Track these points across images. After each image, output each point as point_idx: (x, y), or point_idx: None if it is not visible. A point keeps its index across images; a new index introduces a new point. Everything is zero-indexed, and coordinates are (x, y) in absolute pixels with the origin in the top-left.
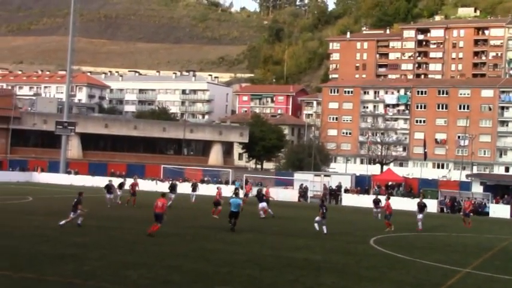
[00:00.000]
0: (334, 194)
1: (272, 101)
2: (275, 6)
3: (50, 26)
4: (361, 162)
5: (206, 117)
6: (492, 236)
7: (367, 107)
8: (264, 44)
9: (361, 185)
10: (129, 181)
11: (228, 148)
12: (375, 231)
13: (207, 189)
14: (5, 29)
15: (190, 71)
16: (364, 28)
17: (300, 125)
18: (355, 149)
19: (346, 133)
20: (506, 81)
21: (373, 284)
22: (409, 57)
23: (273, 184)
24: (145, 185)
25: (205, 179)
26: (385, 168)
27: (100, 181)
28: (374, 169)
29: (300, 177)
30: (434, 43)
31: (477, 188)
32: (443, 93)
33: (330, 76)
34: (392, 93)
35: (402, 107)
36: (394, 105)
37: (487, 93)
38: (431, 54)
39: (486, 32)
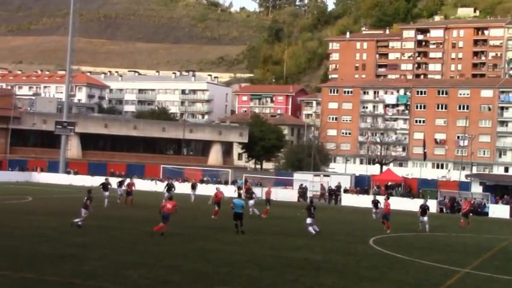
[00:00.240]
0: (333, 194)
1: (272, 101)
2: (275, 6)
3: (49, 26)
4: (361, 163)
5: (206, 117)
6: (491, 236)
7: (366, 107)
8: (264, 44)
9: (361, 185)
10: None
11: (227, 148)
12: (374, 231)
13: (207, 189)
14: (4, 29)
15: (189, 71)
16: (364, 28)
17: (299, 125)
18: (354, 149)
19: (346, 133)
20: (505, 82)
21: (372, 284)
22: (409, 57)
23: (272, 184)
24: (144, 185)
25: (205, 179)
26: (384, 168)
27: (100, 181)
28: (373, 169)
29: (300, 177)
30: (434, 43)
31: (476, 188)
32: (442, 94)
33: (330, 76)
34: (392, 93)
35: (402, 107)
36: (393, 106)
37: (487, 93)
38: (431, 55)
39: (486, 32)
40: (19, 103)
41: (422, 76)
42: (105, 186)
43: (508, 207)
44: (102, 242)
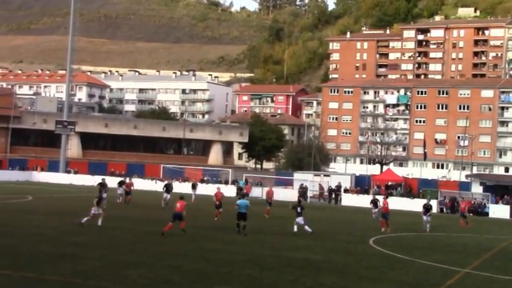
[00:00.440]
0: (334, 194)
1: (272, 100)
2: (275, 6)
3: (50, 25)
4: (361, 162)
5: (206, 116)
6: (492, 237)
7: (367, 107)
8: (264, 43)
9: (361, 185)
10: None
11: (227, 148)
12: (374, 231)
13: (207, 189)
14: (5, 28)
15: (190, 70)
16: (364, 28)
17: (299, 125)
18: (355, 149)
19: (346, 133)
20: (506, 82)
21: (372, 284)
22: (409, 57)
23: (273, 184)
24: (144, 184)
25: (205, 178)
26: (384, 168)
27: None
28: (374, 169)
29: (300, 177)
30: (434, 43)
31: (477, 189)
32: (443, 94)
33: (330, 76)
34: (392, 93)
35: (402, 107)
36: (394, 105)
37: (487, 93)
38: (431, 55)
39: (486, 32)
40: (19, 102)
41: (422, 76)
42: (102, 186)
43: (508, 207)
44: (102, 242)
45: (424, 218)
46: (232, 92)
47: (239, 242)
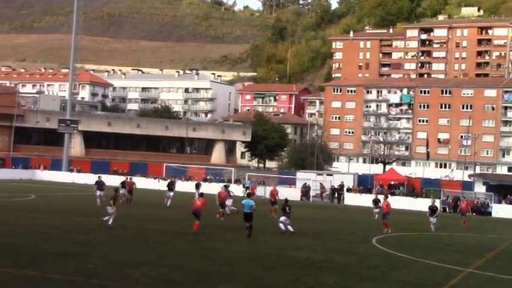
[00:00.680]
0: (336, 193)
1: (275, 99)
2: (278, 5)
3: (53, 24)
4: (364, 162)
5: (209, 115)
6: (495, 236)
7: (369, 106)
8: (267, 42)
9: (364, 184)
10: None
11: (230, 147)
12: (377, 230)
13: (210, 188)
14: (8, 27)
15: (193, 69)
16: (367, 27)
17: (302, 124)
18: (357, 148)
19: (349, 132)
20: (509, 81)
21: (374, 284)
22: (412, 56)
23: (276, 183)
24: (147, 183)
25: (208, 177)
26: (387, 167)
27: (103, 179)
28: (376, 168)
29: (303, 176)
30: (438, 43)
31: (480, 188)
32: (446, 93)
33: (333, 75)
34: (395, 92)
35: (405, 107)
36: (396, 105)
37: (490, 93)
38: (435, 54)
39: (490, 31)
40: (22, 101)
41: (425, 75)
42: (99, 185)
43: (511, 207)
44: (104, 241)
45: (431, 219)
46: (235, 91)
47: (241, 241)
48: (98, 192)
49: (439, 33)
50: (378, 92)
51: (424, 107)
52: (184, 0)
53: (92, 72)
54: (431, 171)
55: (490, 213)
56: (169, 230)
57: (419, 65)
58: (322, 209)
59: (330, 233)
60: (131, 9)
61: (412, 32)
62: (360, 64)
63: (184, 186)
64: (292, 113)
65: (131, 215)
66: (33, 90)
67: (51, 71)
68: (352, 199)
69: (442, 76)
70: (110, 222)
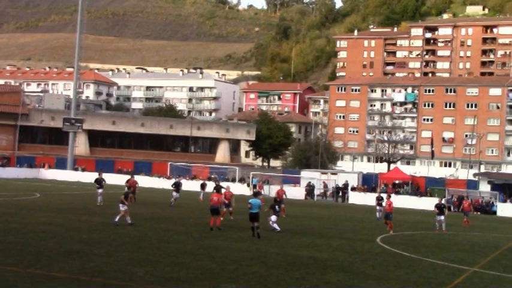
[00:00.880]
0: (341, 192)
1: (279, 98)
2: (282, 4)
3: (57, 23)
4: (368, 161)
5: (213, 114)
6: (500, 235)
7: (374, 105)
8: (272, 41)
9: (368, 183)
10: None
11: (235, 146)
12: (381, 229)
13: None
14: (13, 26)
15: (197, 68)
16: (372, 26)
17: (307, 123)
18: (362, 147)
19: (353, 131)
20: None
21: (379, 282)
22: (417, 55)
23: (280, 182)
24: (151, 182)
25: (212, 176)
26: (392, 166)
27: (107, 178)
28: (381, 167)
29: (307, 175)
30: (442, 41)
31: (485, 187)
32: (450, 92)
33: (337, 74)
34: (400, 91)
35: (409, 105)
36: (401, 104)
37: (495, 91)
38: (439, 53)
39: (494, 30)
40: (27, 100)
41: (430, 74)
42: (98, 182)
43: None
44: (108, 239)
45: (438, 218)
46: (240, 90)
47: (245, 240)
48: (100, 190)
49: (444, 31)
50: (382, 90)
51: (428, 106)
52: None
53: (96, 71)
54: (436, 170)
55: (494, 212)
56: (173, 228)
57: (424, 63)
58: (327, 208)
59: (334, 231)
60: (135, 9)
61: (417, 31)
62: (365, 63)
63: (188, 185)
64: (297, 112)
65: (135, 213)
66: (38, 89)
67: (55, 70)
68: (356, 198)
69: (446, 75)
70: (116, 219)
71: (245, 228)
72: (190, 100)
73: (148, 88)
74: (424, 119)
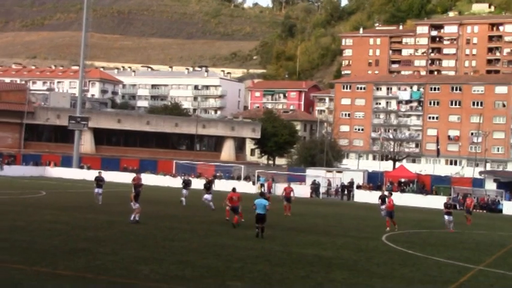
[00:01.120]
0: (346, 190)
1: (284, 96)
2: (288, 2)
3: (63, 21)
4: (374, 159)
5: (218, 112)
6: (505, 234)
7: (379, 103)
8: (277, 39)
9: (374, 181)
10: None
11: (240, 144)
12: (386, 227)
13: (219, 185)
14: (19, 24)
15: (202, 66)
16: (377, 24)
17: (312, 121)
18: (367, 145)
19: (359, 129)
20: None
21: (384, 281)
22: (422, 53)
23: (285, 180)
24: (157, 180)
25: (218, 174)
26: (397, 164)
27: (113, 176)
28: (386, 165)
29: (312, 173)
30: (448, 39)
31: (490, 185)
32: (456, 90)
33: (343, 72)
34: (405, 89)
35: (415, 104)
36: (407, 102)
37: (501, 89)
38: (445, 51)
39: (501, 28)
40: (33, 98)
41: (436, 72)
42: (99, 181)
43: None
44: (114, 237)
45: (447, 218)
46: (245, 88)
47: (250, 238)
48: (97, 190)
49: (450, 29)
50: (387, 89)
51: (434, 104)
52: None
53: (101, 69)
54: (442, 168)
55: (500, 211)
56: (178, 227)
57: (430, 61)
58: (332, 206)
59: (339, 230)
60: (141, 7)
61: (422, 29)
62: (370, 61)
63: (194, 183)
64: (302, 110)
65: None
66: (43, 87)
67: (61, 68)
68: (361, 196)
69: (452, 73)
70: (131, 218)
71: (250, 227)
72: (195, 98)
73: (153, 86)
74: (429, 117)
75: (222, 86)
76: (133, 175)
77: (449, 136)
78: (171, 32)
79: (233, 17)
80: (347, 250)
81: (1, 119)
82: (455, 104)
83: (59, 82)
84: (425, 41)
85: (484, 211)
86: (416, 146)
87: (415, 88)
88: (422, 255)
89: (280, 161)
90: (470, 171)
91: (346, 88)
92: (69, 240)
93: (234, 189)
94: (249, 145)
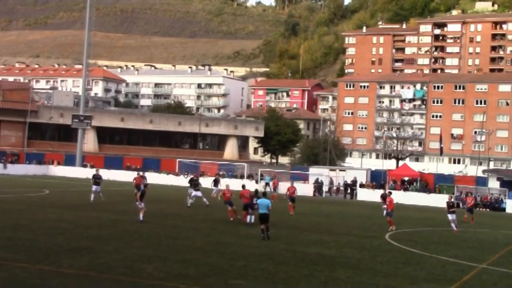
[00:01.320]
0: (349, 188)
1: (287, 95)
2: (291, 1)
3: (66, 20)
4: (377, 157)
5: (221, 111)
6: (509, 232)
7: (383, 102)
8: (280, 38)
9: (377, 179)
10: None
11: (243, 142)
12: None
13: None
14: (22, 23)
15: (205, 65)
16: (380, 23)
17: (315, 120)
18: (370, 144)
19: (362, 128)
20: None
21: (387, 279)
22: (426, 51)
23: (288, 179)
24: (160, 178)
25: (221, 173)
26: (400, 163)
27: (116, 175)
28: (389, 164)
29: (315, 172)
30: (451, 38)
31: (494, 184)
32: (459, 88)
33: (346, 71)
34: (409, 88)
35: (418, 102)
36: (410, 100)
37: (505, 88)
38: (448, 49)
39: (504, 26)
40: (36, 97)
41: (439, 71)
42: (96, 179)
43: None
44: (117, 236)
45: (451, 217)
46: (248, 87)
47: (254, 236)
48: (94, 187)
49: (453, 28)
50: (391, 87)
51: (437, 103)
52: None
53: (105, 68)
54: (445, 167)
55: (504, 209)
56: (182, 225)
57: (433, 60)
58: (335, 205)
59: (343, 228)
60: (144, 5)
61: (426, 27)
62: (373, 59)
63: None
64: (305, 108)
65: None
66: (47, 86)
67: (64, 67)
68: (365, 195)
69: (455, 71)
70: (140, 218)
71: (254, 225)
72: (198, 97)
73: (156, 85)
74: (432, 116)
75: (225, 84)
76: (137, 174)
77: (452, 135)
78: (174, 31)
79: (236, 16)
80: (350, 249)
81: (5, 118)
82: (459, 103)
83: (62, 81)
84: (428, 39)
85: (488, 210)
86: (420, 144)
87: (418, 87)
88: (425, 253)
89: (283, 160)
90: (474, 170)
91: (350, 87)
92: (72, 238)
93: (243, 187)
94: (252, 144)
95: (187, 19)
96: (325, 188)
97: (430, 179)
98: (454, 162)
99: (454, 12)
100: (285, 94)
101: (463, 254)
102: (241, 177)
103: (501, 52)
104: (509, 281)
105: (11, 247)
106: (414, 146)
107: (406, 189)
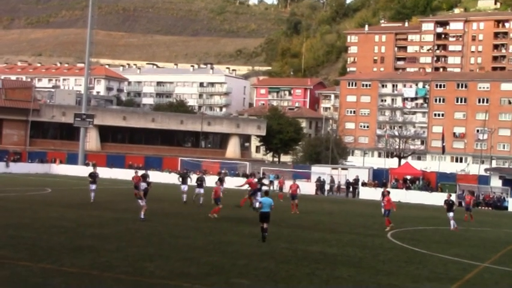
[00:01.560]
0: (351, 187)
1: (290, 94)
2: None
3: (68, 18)
4: (379, 156)
5: (224, 110)
6: (511, 231)
7: (385, 100)
8: (282, 36)
9: (379, 178)
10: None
11: (245, 141)
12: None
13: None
14: (24, 22)
15: (208, 63)
16: (383, 21)
17: (317, 118)
18: (372, 143)
19: (364, 126)
20: None
21: (389, 278)
22: (428, 50)
23: (290, 177)
24: (162, 177)
25: (223, 171)
26: (402, 161)
27: (118, 173)
28: (392, 162)
29: (318, 171)
30: (453, 36)
31: (496, 182)
32: (462, 87)
33: (348, 69)
34: (411, 86)
35: (420, 101)
36: (412, 99)
37: (507, 86)
38: (450, 48)
39: (506, 24)
40: (38, 95)
41: (441, 69)
42: (93, 177)
43: None
44: (119, 234)
45: (449, 215)
46: (250, 85)
47: (255, 235)
48: (92, 186)
49: (455, 26)
50: (393, 86)
51: (439, 101)
52: None
53: (107, 66)
54: (447, 166)
55: (506, 208)
56: (184, 223)
57: (435, 58)
58: (337, 203)
59: (344, 227)
60: (146, 4)
61: (428, 26)
62: (375, 58)
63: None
64: (307, 107)
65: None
66: (49, 84)
67: (66, 65)
68: (367, 193)
69: (458, 70)
70: (142, 216)
71: (255, 224)
72: (200, 95)
73: (158, 83)
74: (435, 114)
75: (227, 83)
76: (139, 172)
77: (454, 133)
78: (176, 29)
79: (238, 14)
80: (352, 247)
81: (7, 117)
82: (461, 101)
83: (64, 79)
84: (430, 38)
85: (490, 208)
86: (422, 143)
87: (420, 85)
88: (427, 252)
89: (285, 158)
90: (476, 169)
91: (352, 85)
92: (74, 237)
93: (252, 175)
94: (254, 142)
95: (189, 17)
96: (327, 187)
97: (432, 177)
98: (456, 161)
99: (456, 11)
100: (287, 93)
101: (465, 252)
102: (244, 175)
103: (503, 50)
104: (511, 279)
105: (13, 245)
106: (416, 144)
107: (408, 188)
